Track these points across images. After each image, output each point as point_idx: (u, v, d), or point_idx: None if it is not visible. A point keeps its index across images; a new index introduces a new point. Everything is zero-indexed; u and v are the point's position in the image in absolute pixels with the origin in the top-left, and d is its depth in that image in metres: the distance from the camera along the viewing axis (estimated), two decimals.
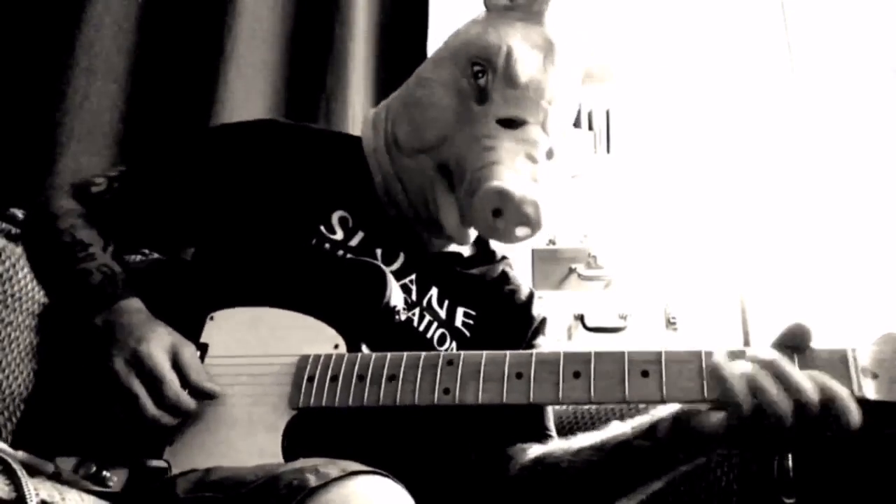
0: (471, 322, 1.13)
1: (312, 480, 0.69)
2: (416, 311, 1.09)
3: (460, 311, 1.13)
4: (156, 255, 1.39)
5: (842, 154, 2.23)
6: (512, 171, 1.01)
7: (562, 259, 2.35)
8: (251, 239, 1.08)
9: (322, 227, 1.09)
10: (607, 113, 2.58)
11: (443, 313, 1.11)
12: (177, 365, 0.93)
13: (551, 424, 1.09)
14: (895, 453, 0.98)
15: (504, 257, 1.24)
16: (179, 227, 1.17)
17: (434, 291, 1.12)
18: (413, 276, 1.11)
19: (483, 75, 1.06)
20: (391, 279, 1.00)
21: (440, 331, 1.09)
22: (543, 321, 1.18)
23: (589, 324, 2.21)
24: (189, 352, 0.95)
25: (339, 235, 1.09)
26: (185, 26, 1.71)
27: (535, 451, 1.02)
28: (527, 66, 1.06)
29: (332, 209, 1.11)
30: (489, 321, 1.14)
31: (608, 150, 2.55)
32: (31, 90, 1.53)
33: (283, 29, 1.87)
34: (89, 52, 1.57)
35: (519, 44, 1.07)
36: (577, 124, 2.58)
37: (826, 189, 2.24)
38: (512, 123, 1.05)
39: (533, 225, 1.01)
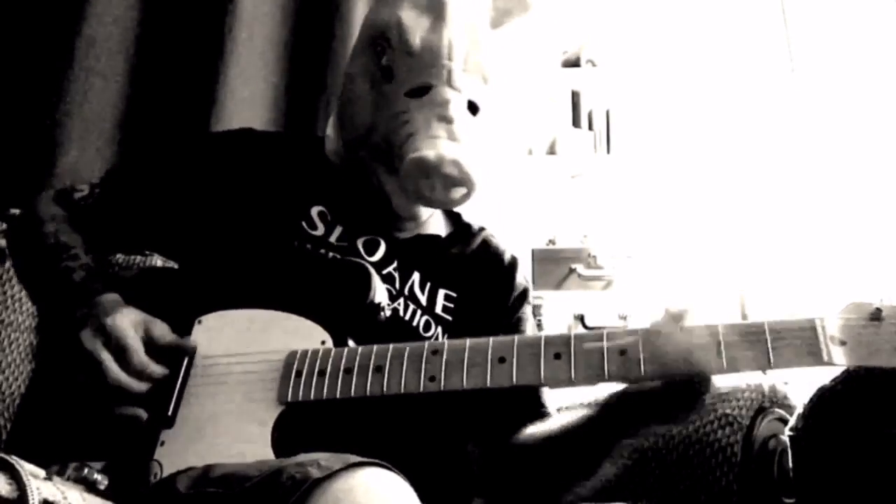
0: (451, 305, 1.13)
1: (315, 473, 0.70)
2: (401, 300, 1.10)
3: (441, 293, 1.14)
4: (151, 261, 1.39)
5: (841, 153, 2.23)
6: (427, 138, 1.03)
7: (562, 259, 2.35)
8: (235, 242, 1.09)
9: (303, 223, 1.11)
10: (607, 113, 2.59)
11: (424, 300, 1.12)
12: (150, 340, 0.97)
13: (545, 400, 1.11)
14: (895, 453, 0.98)
15: (482, 228, 1.25)
16: (159, 233, 1.18)
17: (416, 276, 1.13)
18: (395, 264, 1.12)
19: (384, 54, 1.10)
20: (375, 277, 1.01)
21: (424, 318, 1.11)
22: (525, 291, 1.20)
23: (589, 324, 2.21)
24: (160, 326, 0.99)
25: (321, 230, 1.11)
26: (185, 27, 1.71)
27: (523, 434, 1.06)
28: (417, 31, 1.08)
29: (309, 204, 1.13)
30: (472, 298, 1.15)
31: (608, 150, 2.56)
32: (31, 90, 1.53)
33: (283, 29, 1.86)
34: (89, 52, 1.57)
35: (407, 13, 1.09)
36: (577, 124, 2.58)
37: (826, 188, 2.24)
38: (420, 91, 1.07)
39: (462, 182, 1.04)
